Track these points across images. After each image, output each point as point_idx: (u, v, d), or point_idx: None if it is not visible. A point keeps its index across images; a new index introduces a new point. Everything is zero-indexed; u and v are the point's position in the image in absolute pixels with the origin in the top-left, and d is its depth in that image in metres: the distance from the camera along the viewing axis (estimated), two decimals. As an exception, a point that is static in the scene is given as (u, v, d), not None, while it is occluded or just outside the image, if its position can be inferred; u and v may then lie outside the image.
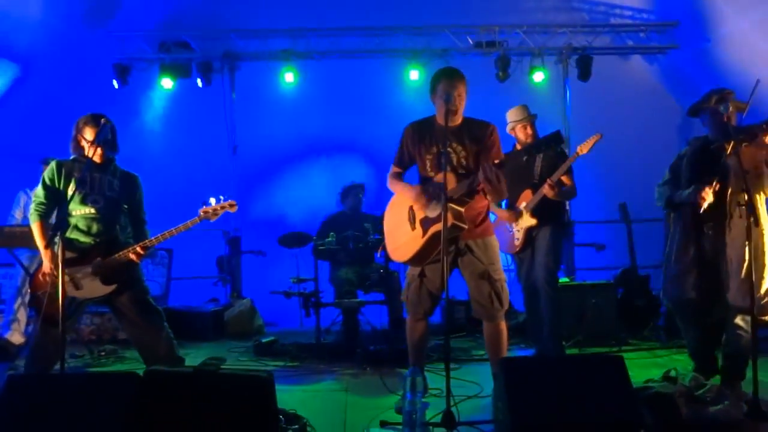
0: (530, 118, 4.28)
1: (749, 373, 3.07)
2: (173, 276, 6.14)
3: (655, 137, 7.10)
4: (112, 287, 3.43)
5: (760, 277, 3.25)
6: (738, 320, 3.29)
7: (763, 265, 3.25)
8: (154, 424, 2.51)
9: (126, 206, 3.61)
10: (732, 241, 3.29)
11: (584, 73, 6.89)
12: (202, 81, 6.79)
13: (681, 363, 3.94)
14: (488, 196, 3.22)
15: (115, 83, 6.66)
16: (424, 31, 6.95)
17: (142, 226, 3.70)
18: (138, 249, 3.42)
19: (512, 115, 4.35)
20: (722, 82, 3.90)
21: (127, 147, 3.82)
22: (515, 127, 4.32)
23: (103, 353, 4.88)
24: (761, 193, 3.32)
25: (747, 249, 3.12)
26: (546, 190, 3.99)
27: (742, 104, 3.42)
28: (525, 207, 4.19)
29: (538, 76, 6.92)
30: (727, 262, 3.31)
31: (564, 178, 4.11)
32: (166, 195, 5.38)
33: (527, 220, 4.17)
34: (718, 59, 6.53)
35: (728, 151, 3.24)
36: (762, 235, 3.28)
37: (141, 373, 2.66)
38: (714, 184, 3.27)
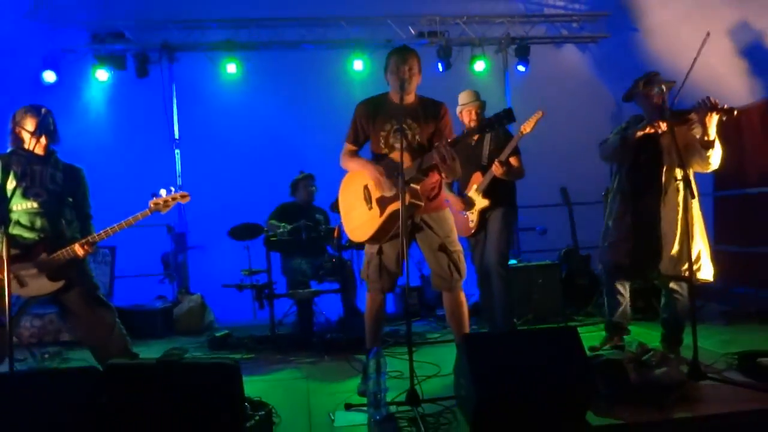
0: (476, 104, 4.38)
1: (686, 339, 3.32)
2: (117, 274, 5.92)
3: (590, 123, 7.38)
4: (60, 284, 3.31)
5: (690, 247, 3.49)
6: (673, 285, 3.52)
7: (692, 236, 3.49)
8: (118, 419, 2.46)
9: (70, 199, 3.48)
10: (666, 214, 3.52)
11: (521, 62, 7.12)
12: (138, 71, 6.58)
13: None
14: (443, 175, 3.27)
15: (50, 75, 6.36)
16: (366, 21, 6.98)
17: (88, 220, 3.58)
18: (84, 243, 3.31)
19: (461, 98, 4.46)
20: (650, 68, 4.11)
21: (64, 141, 3.68)
22: (462, 110, 4.43)
23: (46, 356, 4.67)
24: (692, 168, 3.56)
25: (682, 218, 3.37)
26: (495, 169, 4.09)
27: (669, 83, 3.65)
28: (476, 189, 4.28)
29: (479, 66, 7.09)
30: (661, 233, 3.54)
31: (512, 159, 4.22)
32: (106, 191, 5.15)
33: (480, 202, 4.27)
34: (645, 48, 6.87)
35: (661, 129, 3.47)
36: (695, 205, 3.53)
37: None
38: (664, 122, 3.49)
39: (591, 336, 4.59)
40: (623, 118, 5.60)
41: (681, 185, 3.34)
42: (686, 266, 3.46)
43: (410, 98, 3.34)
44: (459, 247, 3.40)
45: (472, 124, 4.34)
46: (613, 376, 2.94)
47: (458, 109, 4.47)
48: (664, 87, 3.56)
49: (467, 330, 3.45)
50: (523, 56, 7.10)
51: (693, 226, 3.49)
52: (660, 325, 3.81)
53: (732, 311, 5.05)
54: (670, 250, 3.50)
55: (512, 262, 5.57)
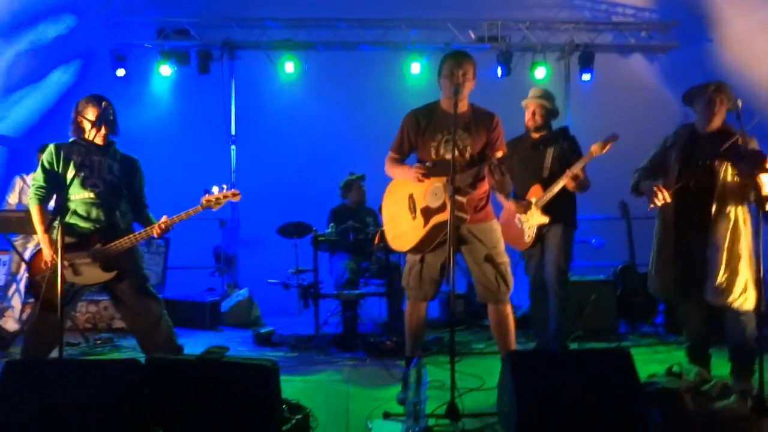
0: (536, 102, 4.15)
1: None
2: (170, 266, 6.07)
3: (654, 135, 7.00)
4: (112, 274, 3.38)
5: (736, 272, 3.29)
6: (738, 308, 3.27)
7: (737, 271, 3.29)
8: (157, 411, 2.48)
9: (126, 191, 3.55)
10: (713, 242, 3.30)
11: (585, 70, 6.89)
12: (200, 67, 6.73)
13: (680, 359, 3.92)
14: (495, 191, 3.19)
15: (121, 71, 6.58)
16: (425, 24, 6.92)
17: (145, 209, 3.65)
18: (161, 224, 3.39)
19: (531, 91, 4.27)
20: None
21: (125, 134, 3.77)
22: (528, 104, 4.21)
23: (99, 342, 4.83)
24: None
25: (729, 246, 3.23)
26: (566, 181, 3.89)
27: (736, 100, 3.42)
28: (535, 203, 4.10)
29: (540, 72, 6.91)
30: (706, 262, 3.32)
31: (578, 172, 4.02)
32: (164, 183, 5.29)
33: (538, 218, 4.07)
34: (717, 59, 6.54)
35: (659, 203, 3.36)
36: (737, 223, 3.31)
37: (142, 360, 2.63)
38: (669, 189, 3.35)
39: (645, 358, 4.39)
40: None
41: (733, 215, 3.15)
42: (732, 296, 3.26)
43: (463, 106, 3.23)
44: (506, 258, 3.29)
45: (529, 122, 4.16)
46: (669, 407, 2.77)
47: (524, 102, 4.25)
48: (734, 102, 3.36)
49: (513, 344, 3.33)
50: (587, 64, 6.87)
51: (741, 255, 3.28)
52: (728, 352, 3.55)
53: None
54: (716, 279, 3.27)
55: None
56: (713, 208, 3.32)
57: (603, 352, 3.44)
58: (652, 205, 3.44)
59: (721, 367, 3.62)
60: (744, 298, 3.29)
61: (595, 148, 3.84)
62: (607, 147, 3.82)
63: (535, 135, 4.13)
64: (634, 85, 7.39)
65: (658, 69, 7.58)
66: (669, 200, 3.36)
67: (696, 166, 3.41)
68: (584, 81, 6.98)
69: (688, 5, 6.69)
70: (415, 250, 3.29)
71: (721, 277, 3.27)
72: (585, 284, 5.21)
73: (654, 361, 4.20)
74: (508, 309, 3.31)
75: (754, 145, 3.41)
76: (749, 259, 3.32)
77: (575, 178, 3.89)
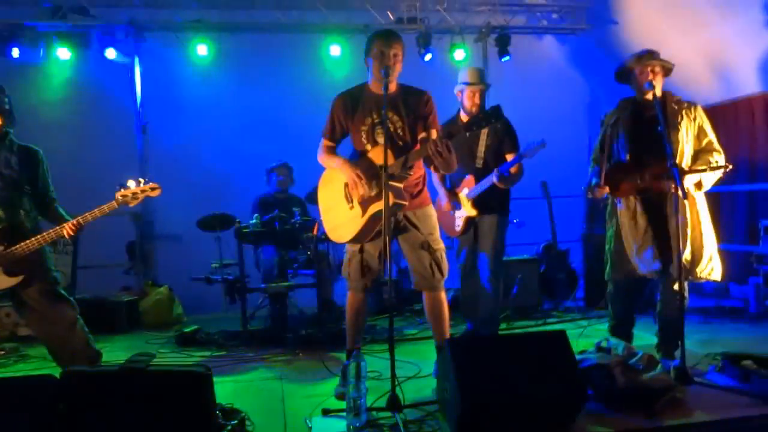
0: (482, 87, 4.06)
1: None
2: (79, 264, 5.64)
3: (567, 116, 7.37)
4: (18, 279, 3.08)
5: (700, 245, 3.41)
6: (676, 287, 3.39)
7: (700, 234, 3.41)
8: (78, 430, 2.27)
9: (29, 187, 3.23)
10: (671, 214, 3.36)
11: (502, 52, 6.98)
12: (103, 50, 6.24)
13: (603, 332, 4.07)
14: (437, 169, 3.08)
15: (15, 51, 5.98)
16: (344, 5, 6.74)
17: (53, 204, 3.34)
18: (75, 222, 3.11)
19: (465, 76, 4.08)
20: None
21: (23, 124, 3.42)
22: (465, 89, 4.07)
23: (2, 352, 4.43)
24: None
25: (692, 218, 3.33)
26: (498, 183, 3.88)
27: (668, 64, 3.53)
28: (466, 195, 4.08)
29: (459, 54, 6.92)
30: (669, 234, 3.40)
31: (511, 169, 3.97)
32: (68, 176, 4.88)
33: (468, 210, 4.06)
34: (623, 40, 6.81)
35: (597, 195, 3.49)
36: (694, 204, 3.44)
37: (56, 374, 2.39)
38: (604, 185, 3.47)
39: (570, 333, 4.52)
40: (598, 110, 5.54)
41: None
42: (701, 267, 3.38)
43: (392, 87, 3.12)
44: (442, 245, 3.27)
45: (473, 108, 4.02)
46: (600, 381, 2.86)
47: (458, 87, 4.12)
48: (658, 67, 3.46)
49: (447, 331, 3.32)
50: (504, 46, 6.96)
51: (701, 224, 3.41)
52: (658, 327, 3.66)
53: (719, 308, 5.07)
54: (684, 253, 3.30)
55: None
56: (672, 187, 3.28)
57: (540, 335, 3.49)
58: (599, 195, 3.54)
59: (637, 339, 3.81)
60: (711, 268, 3.42)
61: (524, 154, 3.87)
62: (533, 153, 3.86)
63: (466, 118, 4.09)
64: (547, 66, 7.58)
65: (568, 50, 7.82)
66: (607, 191, 3.46)
67: (646, 139, 3.43)
68: (501, 62, 7.06)
69: (596, -12, 6.94)
70: (355, 240, 3.20)
71: (689, 248, 3.35)
72: (511, 263, 5.33)
73: (580, 336, 4.36)
74: (443, 295, 3.30)
75: (697, 112, 3.51)
76: (711, 232, 3.46)
77: (506, 180, 3.91)
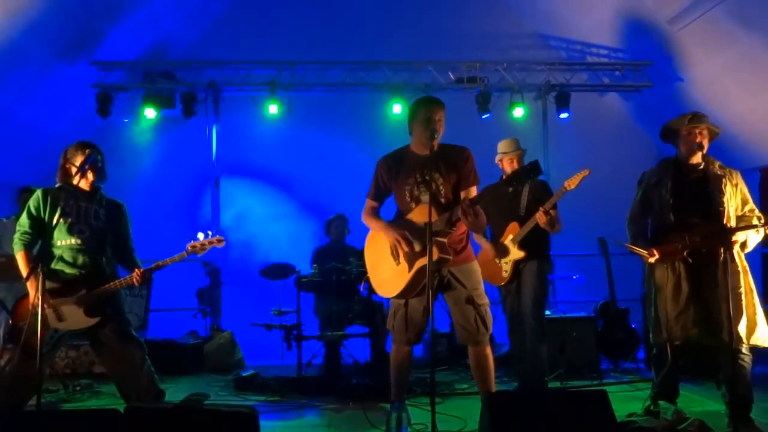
0: (518, 153, 4.34)
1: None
2: (152, 308, 6.03)
3: (630, 173, 7.23)
4: (96, 319, 3.38)
5: (753, 312, 3.33)
6: (744, 351, 3.30)
7: (754, 300, 3.33)
8: (136, 462, 2.46)
9: (112, 237, 3.58)
10: (722, 278, 3.28)
11: (561, 109, 7.08)
12: (185, 110, 6.81)
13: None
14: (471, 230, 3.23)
15: (104, 113, 6.65)
16: (406, 66, 7.09)
17: (131, 254, 3.67)
18: (139, 273, 3.42)
19: (502, 147, 4.42)
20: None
21: (111, 178, 3.80)
22: (503, 158, 4.38)
23: (78, 387, 4.77)
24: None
25: (739, 284, 3.26)
26: (539, 217, 4.00)
27: (716, 128, 3.53)
28: (512, 239, 4.22)
29: (518, 112, 7.07)
30: (718, 300, 3.31)
31: (551, 211, 4.13)
32: (148, 226, 5.34)
33: (515, 253, 4.19)
34: (689, 98, 6.76)
35: (650, 260, 3.45)
36: (746, 270, 3.37)
37: (121, 409, 2.61)
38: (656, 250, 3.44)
39: (626, 395, 4.43)
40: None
41: (738, 256, 3.23)
42: (756, 336, 3.30)
43: (433, 148, 3.29)
44: (486, 300, 3.34)
45: None
46: (646, 446, 2.81)
47: (498, 157, 4.43)
48: (705, 130, 3.47)
49: (492, 385, 3.35)
50: (563, 103, 7.06)
51: (753, 290, 3.34)
52: (726, 396, 3.44)
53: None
54: (734, 317, 3.21)
55: (546, 313, 5.46)
56: (721, 253, 3.24)
57: (580, 392, 3.47)
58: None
59: (694, 404, 3.67)
60: (762, 334, 3.34)
61: (568, 183, 4.01)
62: (579, 181, 3.96)
63: None
64: (609, 123, 7.59)
65: (632, 107, 7.81)
66: (659, 256, 3.43)
67: (692, 200, 3.44)
68: (561, 119, 7.15)
69: (660, 46, 6.95)
70: (401, 295, 3.31)
71: (743, 318, 3.27)
72: (566, 321, 5.28)
73: (635, 398, 4.24)
74: (488, 350, 3.34)
75: (738, 178, 3.51)
76: (757, 297, 3.39)
77: (547, 213, 4.00)
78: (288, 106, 7.00)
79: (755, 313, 3.32)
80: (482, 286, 3.36)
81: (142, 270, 3.44)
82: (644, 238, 3.57)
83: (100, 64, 6.78)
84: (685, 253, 3.41)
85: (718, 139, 3.66)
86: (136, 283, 3.44)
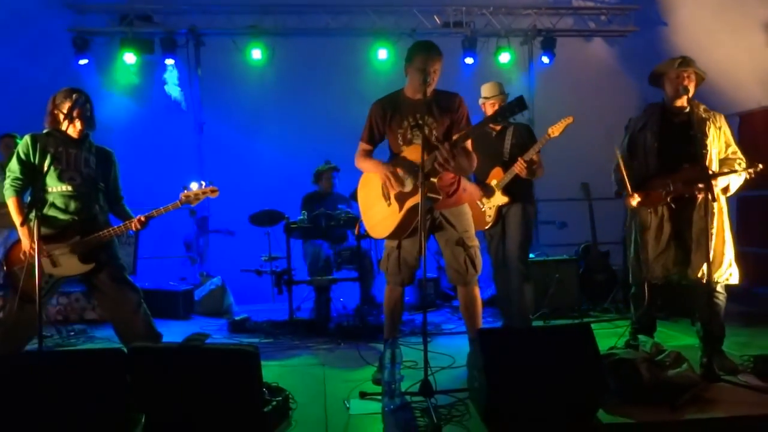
0: (501, 98, 4.35)
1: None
2: (140, 255, 6.05)
3: (614, 118, 7.30)
4: (91, 265, 3.42)
5: (722, 251, 3.46)
6: (719, 290, 3.47)
7: (723, 240, 3.46)
8: (140, 398, 2.56)
9: (102, 184, 3.57)
10: (697, 220, 3.44)
11: (546, 53, 7.06)
12: (166, 57, 6.66)
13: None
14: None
15: (83, 61, 6.48)
16: (391, 10, 6.96)
17: (120, 202, 3.70)
18: (141, 218, 3.45)
19: (485, 90, 4.43)
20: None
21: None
22: (485, 103, 4.42)
23: (72, 333, 4.84)
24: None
25: (713, 223, 3.37)
26: (518, 168, 4.10)
27: (703, 73, 3.59)
28: (496, 185, 4.29)
29: (504, 57, 7.04)
30: (692, 239, 3.47)
31: (535, 157, 4.22)
32: (132, 174, 5.26)
33: (499, 198, 4.28)
34: (674, 42, 6.76)
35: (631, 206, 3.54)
36: (721, 211, 3.48)
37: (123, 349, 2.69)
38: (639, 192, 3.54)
39: (606, 332, 4.62)
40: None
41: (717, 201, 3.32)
42: (720, 272, 3.43)
43: (427, 93, 3.33)
44: (476, 242, 3.43)
45: None
46: (626, 376, 2.97)
47: (480, 101, 4.46)
48: (693, 74, 3.51)
49: (480, 324, 3.48)
50: (549, 48, 7.04)
51: (724, 231, 3.46)
52: (700, 332, 3.60)
53: (751, 312, 5.02)
54: (704, 257, 3.34)
55: (530, 255, 5.61)
56: (700, 195, 3.37)
57: (565, 327, 3.62)
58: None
59: (670, 339, 3.86)
60: (729, 273, 3.49)
61: (551, 130, 4.11)
62: (563, 128, 4.05)
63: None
64: (595, 68, 7.56)
65: (617, 52, 7.78)
66: (641, 200, 3.54)
67: (676, 144, 3.51)
68: (546, 64, 7.13)
69: (646, -10, 6.92)
70: (393, 235, 3.38)
71: (711, 256, 3.36)
72: (549, 263, 5.42)
73: (615, 335, 4.41)
74: (476, 291, 3.46)
75: (722, 121, 3.58)
76: (731, 237, 3.52)
77: (530, 163, 4.09)
78: (271, 51, 6.88)
79: (723, 253, 3.46)
80: (473, 229, 3.45)
81: (142, 216, 3.46)
82: (620, 184, 3.66)
83: (76, 7, 6.56)
84: (668, 199, 3.51)
85: (706, 85, 3.72)
86: (134, 229, 3.48)
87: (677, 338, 4.20)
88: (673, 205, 3.51)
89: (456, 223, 3.37)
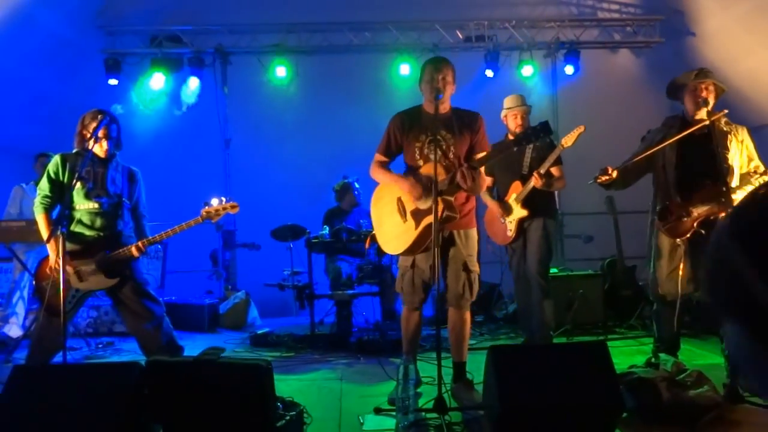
0: (523, 109, 4.33)
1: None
2: (168, 269, 6.20)
3: (641, 129, 7.20)
4: (115, 280, 3.52)
5: None
6: None
7: None
8: (157, 410, 2.61)
9: (128, 202, 3.69)
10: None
11: (572, 67, 7.01)
12: (193, 73, 6.84)
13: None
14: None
15: (114, 81, 6.70)
16: (413, 26, 7.03)
17: (141, 221, 3.78)
18: (140, 245, 3.52)
19: (507, 102, 4.42)
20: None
21: (122, 141, 3.87)
22: (507, 114, 4.38)
23: (100, 345, 4.97)
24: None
25: None
26: (535, 181, 4.07)
27: (722, 85, 3.52)
28: (515, 199, 4.26)
29: (527, 70, 7.02)
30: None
31: (553, 170, 4.18)
32: (160, 189, 5.42)
33: (518, 212, 4.24)
34: (701, 53, 6.66)
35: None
36: None
37: (143, 363, 2.75)
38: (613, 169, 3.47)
39: (630, 350, 4.53)
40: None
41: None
42: None
43: (444, 108, 3.34)
44: (477, 268, 3.43)
45: (518, 129, 4.27)
46: (645, 395, 2.91)
47: (503, 113, 4.43)
48: (712, 86, 3.45)
49: (466, 349, 3.48)
50: (573, 60, 7.00)
51: None
52: (725, 351, 3.51)
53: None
54: None
55: (553, 270, 5.54)
56: (723, 213, 3.26)
57: (579, 345, 3.57)
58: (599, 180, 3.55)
59: (696, 357, 3.76)
60: None
61: (564, 141, 4.05)
62: (575, 138, 3.99)
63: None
64: (621, 80, 7.50)
65: (643, 63, 7.69)
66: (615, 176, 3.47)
67: (696, 158, 3.43)
68: (570, 77, 7.09)
69: (671, 1, 6.82)
70: (408, 251, 3.38)
71: None
72: (573, 279, 5.35)
73: (639, 353, 4.34)
74: (467, 315, 3.45)
75: (744, 134, 3.51)
76: None
77: (545, 176, 4.05)
78: (296, 69, 7.00)
79: None
80: (476, 255, 3.45)
81: (143, 242, 3.53)
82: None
83: (108, 29, 6.80)
84: (695, 226, 3.39)
85: (729, 96, 3.65)
86: (134, 255, 3.51)
87: (703, 356, 4.10)
88: (702, 231, 3.39)
89: (463, 245, 3.37)
